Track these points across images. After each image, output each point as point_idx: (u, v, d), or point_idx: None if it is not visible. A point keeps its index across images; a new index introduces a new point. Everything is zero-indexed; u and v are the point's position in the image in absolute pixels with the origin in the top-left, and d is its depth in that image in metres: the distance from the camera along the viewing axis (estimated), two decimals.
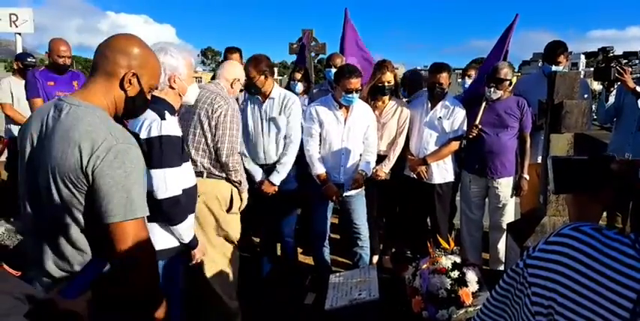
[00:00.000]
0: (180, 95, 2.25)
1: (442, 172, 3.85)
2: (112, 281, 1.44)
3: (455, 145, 3.80)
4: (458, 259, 2.91)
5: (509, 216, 3.88)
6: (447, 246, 3.02)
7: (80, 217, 1.45)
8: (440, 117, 3.78)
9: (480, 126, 3.69)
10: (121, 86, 1.53)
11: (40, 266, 1.51)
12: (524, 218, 3.26)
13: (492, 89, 3.66)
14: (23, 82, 5.14)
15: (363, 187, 3.62)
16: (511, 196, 3.84)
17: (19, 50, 7.49)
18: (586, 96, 3.97)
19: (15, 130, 5.03)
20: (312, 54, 7.87)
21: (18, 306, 1.03)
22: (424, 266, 2.92)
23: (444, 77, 3.72)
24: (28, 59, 5.30)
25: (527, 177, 3.75)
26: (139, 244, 1.42)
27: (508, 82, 3.69)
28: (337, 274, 3.33)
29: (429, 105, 3.84)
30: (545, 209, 2.89)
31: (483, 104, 3.70)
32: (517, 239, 3.00)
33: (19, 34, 7.68)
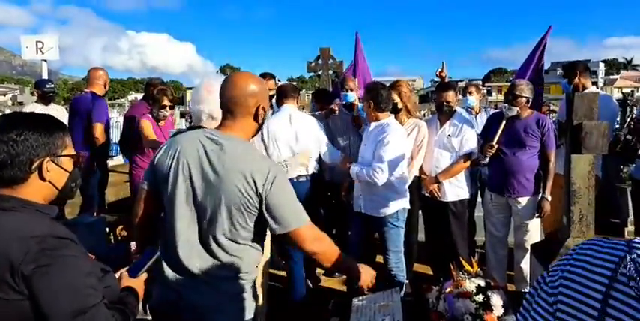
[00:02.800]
0: None
1: (455, 189, 3.86)
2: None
3: (465, 163, 3.82)
4: (482, 282, 2.88)
5: (532, 234, 3.83)
6: (470, 268, 2.99)
7: (244, 233, 1.77)
8: (449, 135, 3.83)
9: (496, 145, 3.70)
10: (256, 119, 1.85)
11: (192, 273, 1.78)
12: (548, 239, 3.23)
13: (507, 105, 3.70)
14: (47, 107, 5.31)
15: (397, 218, 3.55)
16: (536, 217, 3.79)
17: (45, 75, 7.74)
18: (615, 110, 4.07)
19: None
20: (330, 71, 7.96)
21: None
22: (448, 289, 2.90)
23: (450, 95, 3.84)
24: (47, 86, 5.43)
25: (549, 198, 3.69)
26: (317, 238, 1.84)
27: (525, 99, 3.70)
28: (360, 297, 3.32)
29: (439, 124, 3.91)
30: (569, 230, 2.86)
31: (503, 122, 3.70)
32: (541, 261, 2.97)
33: (45, 60, 7.93)
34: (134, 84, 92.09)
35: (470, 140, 3.80)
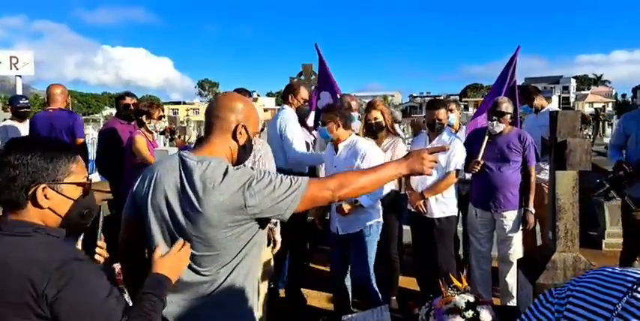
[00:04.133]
0: None
1: (441, 206, 3.85)
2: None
3: (451, 179, 3.80)
4: (471, 298, 2.89)
5: (516, 248, 3.88)
6: (459, 284, 3.00)
7: (235, 250, 1.70)
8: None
9: (482, 162, 3.75)
10: (234, 138, 1.77)
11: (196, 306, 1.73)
12: (533, 254, 3.27)
13: (495, 123, 3.76)
14: (21, 124, 5.21)
15: (369, 232, 3.53)
16: (521, 230, 3.86)
17: (19, 91, 7.57)
18: None
19: None
20: (312, 87, 8.02)
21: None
22: (438, 306, 2.90)
23: (442, 113, 3.85)
24: (21, 101, 5.33)
25: (533, 210, 3.78)
26: (328, 185, 1.71)
27: (509, 116, 3.79)
28: (349, 315, 3.30)
29: (427, 140, 3.94)
30: (555, 245, 2.90)
31: (486, 139, 3.78)
32: (528, 276, 2.99)
33: (20, 76, 7.76)
34: (109, 98, 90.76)
35: (457, 156, 3.79)
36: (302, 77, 8.01)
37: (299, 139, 4.17)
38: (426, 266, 4.01)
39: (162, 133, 4.75)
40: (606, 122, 20.64)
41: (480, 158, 3.76)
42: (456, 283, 3.01)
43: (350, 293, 3.74)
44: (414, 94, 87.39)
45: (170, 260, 1.60)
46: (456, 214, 3.97)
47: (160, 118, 4.35)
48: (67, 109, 4.98)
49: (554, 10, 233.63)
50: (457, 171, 3.81)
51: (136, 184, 1.83)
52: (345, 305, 3.74)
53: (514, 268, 3.75)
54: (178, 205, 1.67)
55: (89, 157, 5.71)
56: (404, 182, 4.20)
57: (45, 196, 1.33)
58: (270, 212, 1.67)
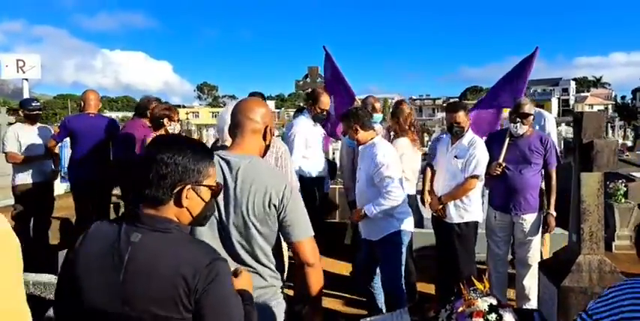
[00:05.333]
0: None
1: (460, 211, 3.75)
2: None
3: (469, 185, 3.68)
4: (494, 301, 2.85)
5: (535, 251, 3.85)
6: (480, 287, 2.97)
7: (268, 242, 1.89)
8: (455, 156, 3.74)
9: (503, 164, 3.71)
10: (264, 138, 1.99)
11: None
12: (556, 257, 3.23)
13: (518, 124, 3.72)
14: (33, 127, 5.16)
15: (390, 240, 3.47)
16: (542, 234, 3.82)
17: (26, 94, 7.52)
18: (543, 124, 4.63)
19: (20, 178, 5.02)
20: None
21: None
22: (460, 309, 2.87)
23: (460, 116, 3.69)
24: (33, 104, 5.29)
25: (554, 213, 3.74)
26: (315, 254, 1.92)
27: (532, 117, 3.77)
28: (368, 318, 3.26)
29: (450, 144, 3.86)
30: (580, 248, 2.87)
31: (507, 141, 3.74)
32: (552, 279, 2.96)
33: (26, 79, 7.71)
34: (109, 103, 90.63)
35: (477, 161, 3.64)
36: (308, 79, 7.98)
37: (299, 150, 4.34)
38: (446, 270, 3.97)
39: None
40: (608, 124, 20.66)
41: (501, 160, 3.72)
42: (478, 285, 2.97)
43: (376, 296, 3.70)
44: (414, 97, 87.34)
45: (244, 280, 1.64)
46: (478, 220, 3.84)
47: (177, 120, 4.46)
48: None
49: (552, 13, 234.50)
50: (476, 176, 3.68)
51: None
52: (371, 308, 3.71)
53: (532, 271, 3.72)
54: (222, 197, 1.81)
55: None
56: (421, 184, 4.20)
57: (186, 196, 1.37)
58: (283, 225, 1.86)
